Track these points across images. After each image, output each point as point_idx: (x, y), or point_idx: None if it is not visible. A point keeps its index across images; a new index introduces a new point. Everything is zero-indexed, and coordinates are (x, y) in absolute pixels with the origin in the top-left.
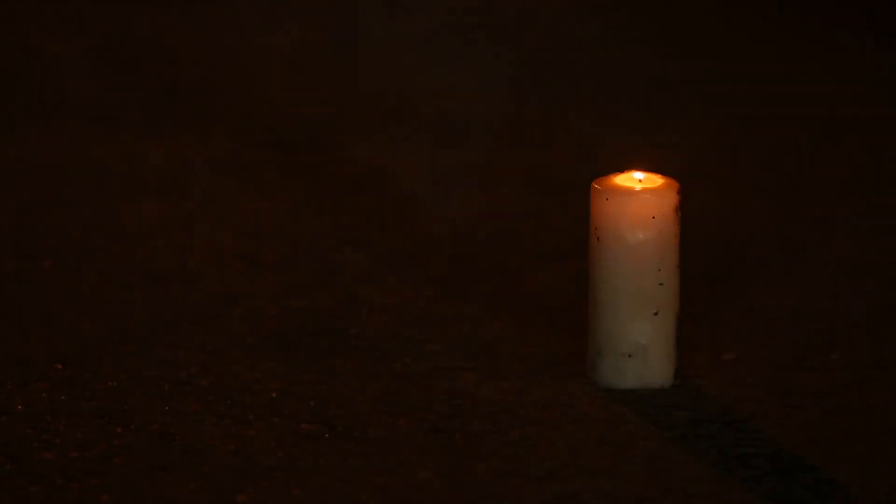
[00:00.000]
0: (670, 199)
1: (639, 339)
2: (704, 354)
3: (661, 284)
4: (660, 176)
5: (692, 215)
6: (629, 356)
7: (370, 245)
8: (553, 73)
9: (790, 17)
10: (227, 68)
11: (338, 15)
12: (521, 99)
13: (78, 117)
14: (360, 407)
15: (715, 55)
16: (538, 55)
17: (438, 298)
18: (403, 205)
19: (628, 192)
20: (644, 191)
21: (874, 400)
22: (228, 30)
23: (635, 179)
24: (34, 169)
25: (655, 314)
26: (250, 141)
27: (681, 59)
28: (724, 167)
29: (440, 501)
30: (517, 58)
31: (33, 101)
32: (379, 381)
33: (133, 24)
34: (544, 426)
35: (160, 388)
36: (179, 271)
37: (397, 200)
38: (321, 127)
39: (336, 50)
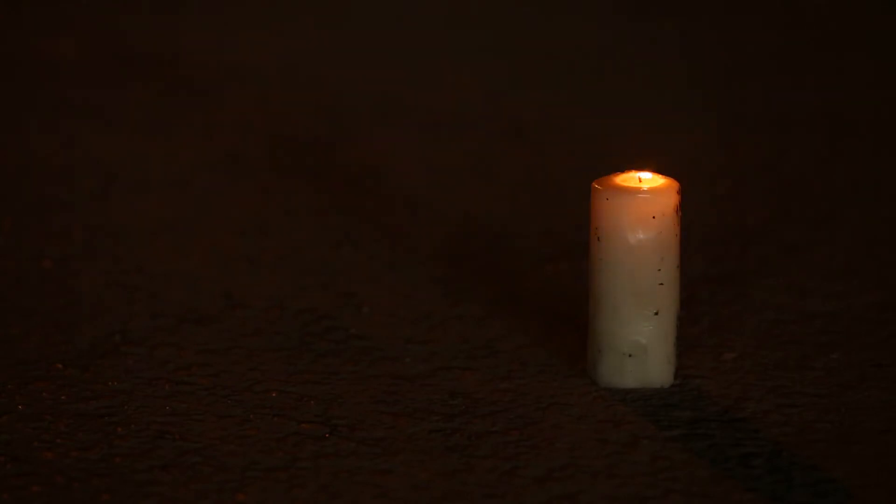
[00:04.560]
0: (670, 199)
1: (639, 338)
2: (704, 354)
3: (662, 284)
4: (660, 176)
5: (692, 215)
6: (629, 356)
7: (370, 245)
8: (553, 73)
9: (791, 18)
10: (226, 68)
11: (337, 13)
12: (520, 98)
13: (78, 117)
14: (360, 407)
15: (716, 55)
16: (538, 55)
17: (438, 298)
18: (403, 205)
19: (629, 192)
20: (644, 191)
21: (873, 400)
22: (228, 29)
23: (636, 179)
24: (34, 169)
25: (655, 314)
26: (250, 141)
27: (681, 59)
28: (724, 167)
29: (440, 501)
30: (517, 57)
31: (33, 101)
32: (379, 381)
33: (133, 23)
34: (544, 426)
35: (161, 388)
36: (179, 271)
37: (397, 200)
38: (321, 127)
39: (336, 49)
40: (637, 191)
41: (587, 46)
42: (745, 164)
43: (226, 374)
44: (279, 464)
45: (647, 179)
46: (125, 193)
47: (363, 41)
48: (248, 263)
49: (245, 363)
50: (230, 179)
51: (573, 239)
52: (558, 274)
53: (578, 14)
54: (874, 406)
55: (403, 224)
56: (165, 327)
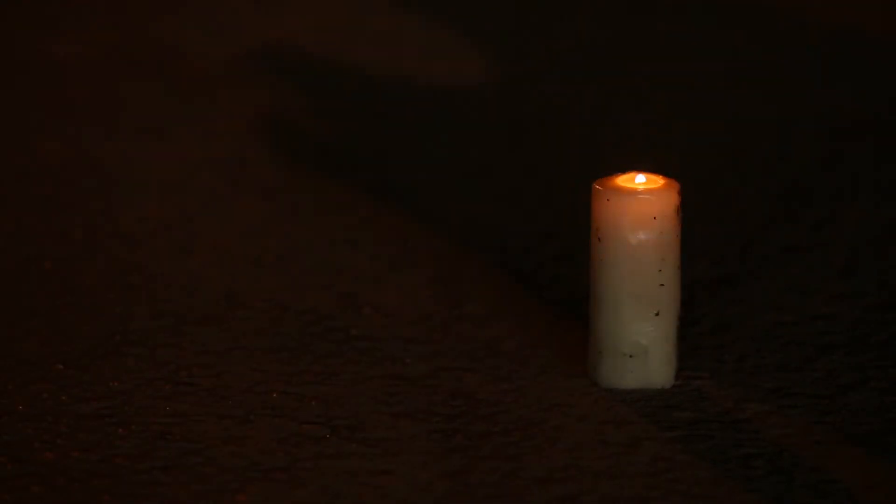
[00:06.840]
0: (671, 200)
1: (639, 339)
2: (705, 355)
3: (662, 285)
4: (661, 176)
5: (693, 216)
6: (630, 356)
7: (370, 245)
8: (553, 73)
9: (791, 18)
10: (227, 67)
11: (337, 12)
12: (520, 99)
13: (78, 117)
14: (360, 407)
15: (715, 55)
16: (538, 55)
17: (439, 299)
18: (404, 205)
19: (629, 193)
20: (645, 191)
21: (874, 400)
22: (229, 28)
23: (636, 180)
24: (35, 169)
25: (656, 315)
26: (251, 141)
27: (681, 59)
28: (725, 167)
29: (441, 502)
30: (517, 58)
31: (34, 101)
32: (379, 382)
33: (134, 24)
34: (545, 427)
35: (161, 388)
36: (180, 272)
37: (397, 200)
38: (321, 127)
39: (336, 49)
40: (638, 191)
41: (587, 45)
42: (745, 165)
43: (226, 374)
44: (280, 464)
45: (647, 180)
46: (125, 193)
47: (363, 41)
48: (248, 264)
49: (246, 364)
50: (231, 179)
51: (573, 239)
52: (558, 274)
53: (578, 13)
54: (875, 407)
55: (404, 224)
56: (166, 328)
